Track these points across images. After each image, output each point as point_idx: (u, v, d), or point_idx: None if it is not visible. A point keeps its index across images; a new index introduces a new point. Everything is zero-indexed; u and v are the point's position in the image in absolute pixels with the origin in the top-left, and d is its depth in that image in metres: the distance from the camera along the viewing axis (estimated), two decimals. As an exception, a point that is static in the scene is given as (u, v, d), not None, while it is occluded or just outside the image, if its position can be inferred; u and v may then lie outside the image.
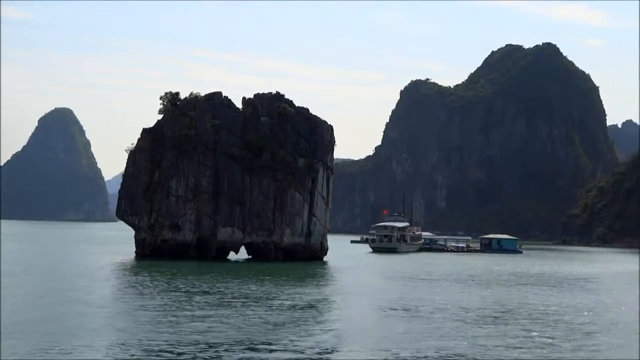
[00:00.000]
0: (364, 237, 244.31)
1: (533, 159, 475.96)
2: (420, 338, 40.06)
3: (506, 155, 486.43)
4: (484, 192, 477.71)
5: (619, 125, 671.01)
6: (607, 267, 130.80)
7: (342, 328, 43.42)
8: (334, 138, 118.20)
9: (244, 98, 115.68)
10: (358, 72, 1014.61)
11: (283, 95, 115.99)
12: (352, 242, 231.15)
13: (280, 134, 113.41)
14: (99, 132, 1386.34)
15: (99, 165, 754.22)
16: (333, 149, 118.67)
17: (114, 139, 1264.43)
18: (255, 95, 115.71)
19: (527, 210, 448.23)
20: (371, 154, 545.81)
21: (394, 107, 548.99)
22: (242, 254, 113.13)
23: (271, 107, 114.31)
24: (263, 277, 76.66)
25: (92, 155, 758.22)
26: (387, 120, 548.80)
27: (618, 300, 65.71)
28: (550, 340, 40.60)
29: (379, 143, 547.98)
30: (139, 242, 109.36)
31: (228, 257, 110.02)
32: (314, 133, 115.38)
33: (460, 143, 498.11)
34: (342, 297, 61.27)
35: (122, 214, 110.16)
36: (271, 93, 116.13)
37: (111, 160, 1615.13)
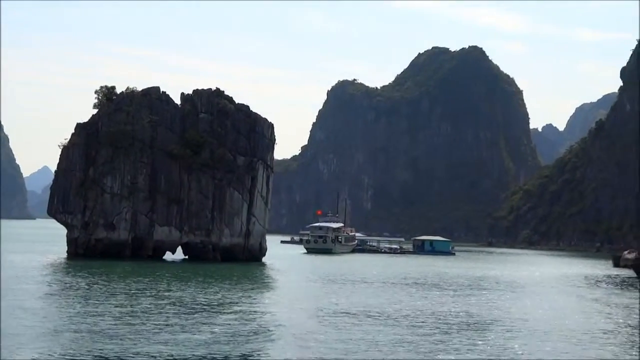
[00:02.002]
0: (294, 238, 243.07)
1: (458, 161, 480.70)
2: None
3: (432, 157, 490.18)
4: (410, 194, 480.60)
5: (540, 129, 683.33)
6: (548, 270, 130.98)
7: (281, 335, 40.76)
8: (275, 136, 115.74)
9: (182, 94, 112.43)
10: (284, 72, 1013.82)
11: (223, 92, 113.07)
12: (282, 242, 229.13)
13: (219, 131, 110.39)
14: (19, 127, 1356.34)
15: (17, 162, 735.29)
16: (273, 148, 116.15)
17: (34, 135, 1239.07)
18: (194, 91, 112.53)
19: (452, 211, 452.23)
20: (297, 153, 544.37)
21: (320, 107, 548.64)
22: (179, 254, 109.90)
23: (210, 103, 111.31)
24: (204, 280, 73.70)
25: (11, 150, 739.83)
26: (314, 120, 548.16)
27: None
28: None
29: (305, 143, 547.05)
30: (71, 242, 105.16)
31: (164, 258, 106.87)
32: (254, 131, 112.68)
33: (387, 144, 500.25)
34: (284, 303, 58.19)
35: (54, 212, 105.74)
36: (210, 89, 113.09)
37: (31, 156, 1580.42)
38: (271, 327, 43.52)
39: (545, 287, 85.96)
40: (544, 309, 59.72)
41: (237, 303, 54.82)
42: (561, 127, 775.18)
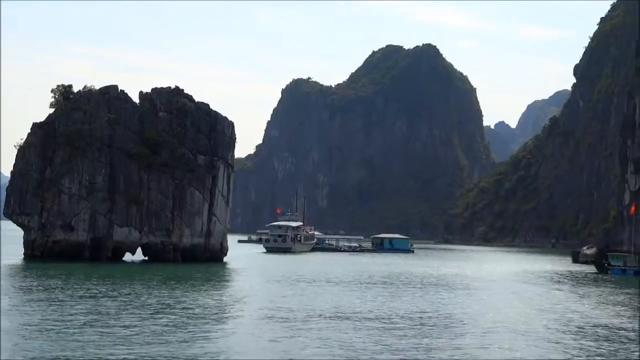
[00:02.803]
0: (252, 237, 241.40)
1: (413, 159, 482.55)
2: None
3: (387, 154, 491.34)
4: (365, 191, 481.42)
5: (492, 126, 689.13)
6: (511, 267, 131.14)
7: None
8: (235, 135, 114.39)
9: (141, 92, 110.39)
10: (237, 70, 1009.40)
11: (183, 90, 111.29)
12: (239, 241, 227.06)
13: (179, 130, 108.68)
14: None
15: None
16: (234, 146, 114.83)
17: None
18: (153, 89, 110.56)
19: (407, 209, 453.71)
20: (252, 152, 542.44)
21: (275, 105, 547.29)
22: (139, 255, 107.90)
23: (170, 102, 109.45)
24: (165, 281, 71.97)
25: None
26: (269, 119, 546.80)
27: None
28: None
29: (260, 142, 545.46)
30: (28, 244, 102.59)
31: (124, 259, 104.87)
32: (214, 129, 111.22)
33: (342, 142, 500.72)
34: (244, 303, 56.68)
35: (11, 214, 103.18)
36: (170, 87, 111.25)
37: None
38: (237, 331, 42.21)
39: (517, 284, 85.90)
40: (520, 306, 59.23)
41: (203, 305, 53.25)
42: (513, 124, 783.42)
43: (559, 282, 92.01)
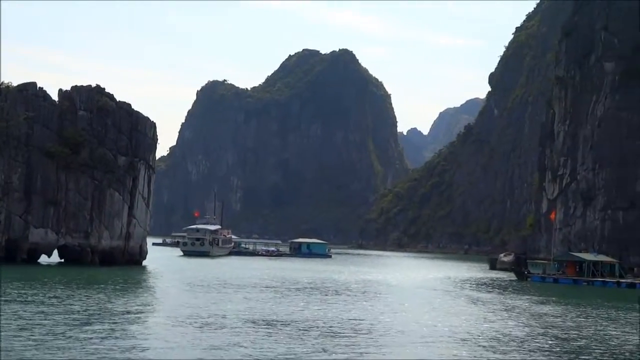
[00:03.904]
0: (166, 240, 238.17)
1: (328, 163, 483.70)
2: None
3: (302, 158, 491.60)
4: (279, 195, 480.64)
5: (405, 133, 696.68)
6: (432, 274, 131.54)
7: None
8: (157, 136, 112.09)
9: (60, 90, 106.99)
10: (152, 72, 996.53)
11: (104, 89, 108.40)
12: (154, 244, 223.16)
13: (99, 129, 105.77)
14: None
15: None
16: (156, 147, 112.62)
17: None
18: (72, 87, 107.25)
19: (321, 213, 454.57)
20: (165, 154, 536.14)
21: (189, 107, 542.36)
22: (55, 257, 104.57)
23: (90, 100, 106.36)
24: (82, 285, 69.26)
25: None
26: (183, 121, 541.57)
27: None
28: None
29: (174, 143, 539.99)
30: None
31: (39, 261, 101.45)
32: (136, 130, 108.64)
33: (257, 145, 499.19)
34: (163, 309, 54.65)
35: None
36: (90, 86, 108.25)
37: None
38: (156, 337, 40.35)
39: (440, 291, 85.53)
40: (448, 316, 58.75)
41: (120, 310, 51.07)
42: (425, 131, 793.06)
43: (479, 290, 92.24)
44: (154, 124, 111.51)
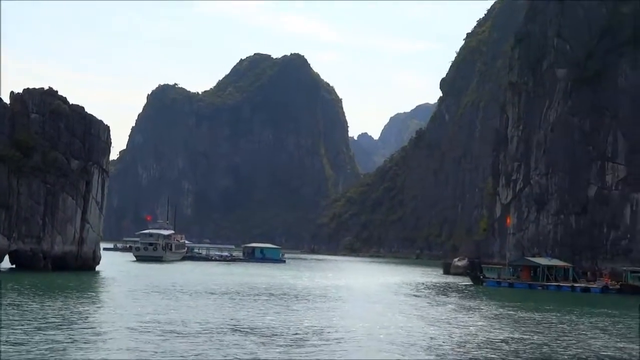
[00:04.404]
0: (117, 245, 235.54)
1: (280, 168, 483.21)
2: None
3: (253, 163, 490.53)
4: (231, 200, 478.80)
5: (355, 138, 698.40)
6: (388, 279, 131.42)
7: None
8: (111, 139, 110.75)
9: (12, 92, 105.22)
10: (102, 75, 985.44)
11: (57, 92, 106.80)
12: (105, 249, 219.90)
13: (52, 133, 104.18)
14: None
15: None
16: (110, 151, 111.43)
17: None
18: (24, 90, 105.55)
19: (273, 218, 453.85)
20: (116, 158, 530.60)
21: (140, 111, 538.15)
22: (6, 262, 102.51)
23: (43, 103, 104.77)
24: (35, 291, 67.82)
25: None
26: (133, 125, 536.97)
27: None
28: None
29: (124, 147, 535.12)
30: None
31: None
32: (89, 133, 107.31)
33: (208, 149, 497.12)
34: (119, 315, 53.38)
35: None
36: (43, 88, 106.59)
37: None
38: (112, 344, 39.48)
39: (399, 297, 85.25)
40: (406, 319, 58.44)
41: (73, 317, 49.96)
42: (376, 136, 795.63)
43: (442, 294, 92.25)
44: (108, 127, 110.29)
